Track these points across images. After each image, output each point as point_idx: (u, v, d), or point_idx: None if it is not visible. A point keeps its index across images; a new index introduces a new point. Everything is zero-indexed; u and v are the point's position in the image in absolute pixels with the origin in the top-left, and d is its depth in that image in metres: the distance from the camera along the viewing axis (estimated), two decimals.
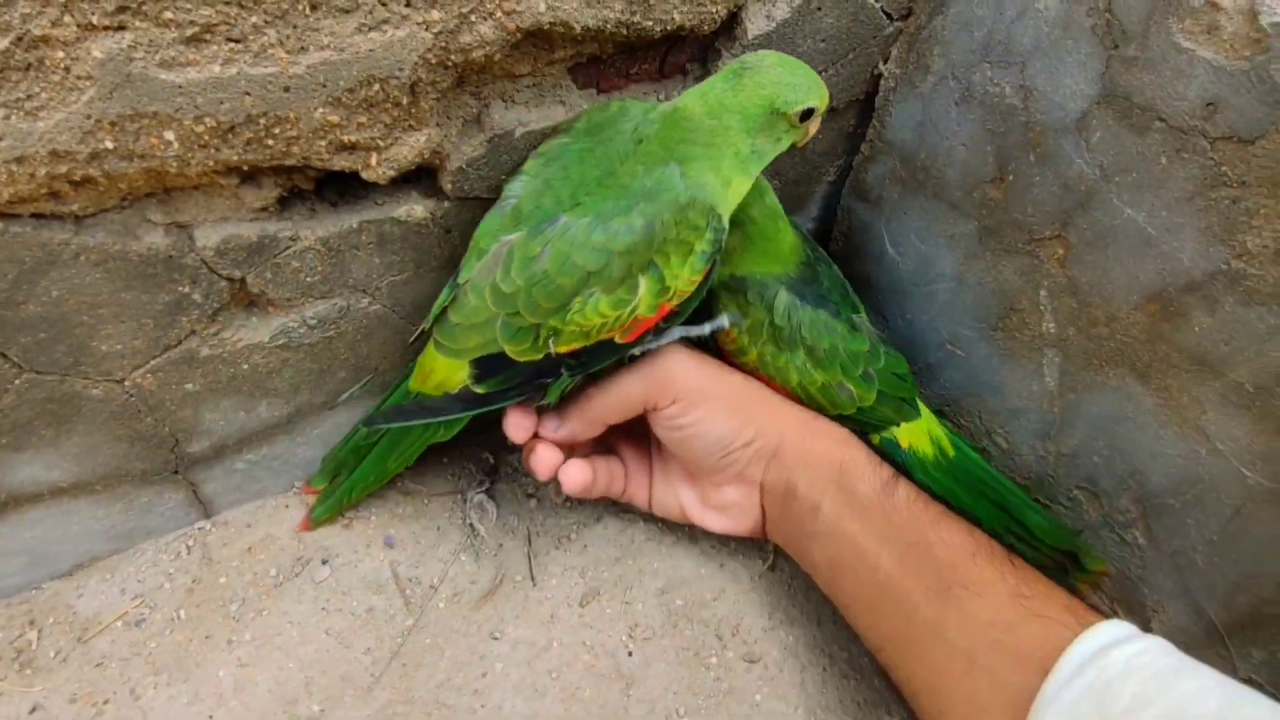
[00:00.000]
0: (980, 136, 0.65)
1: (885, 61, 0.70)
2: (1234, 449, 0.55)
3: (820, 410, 0.70)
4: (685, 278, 0.57)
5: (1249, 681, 0.60)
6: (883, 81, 0.71)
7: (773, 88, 0.55)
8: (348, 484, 0.70)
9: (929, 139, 0.69)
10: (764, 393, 0.68)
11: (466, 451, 0.80)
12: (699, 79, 0.64)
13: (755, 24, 0.61)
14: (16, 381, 0.54)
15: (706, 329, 0.66)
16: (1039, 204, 0.62)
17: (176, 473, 0.68)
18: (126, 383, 0.58)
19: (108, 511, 0.67)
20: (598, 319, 0.55)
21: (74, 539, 0.67)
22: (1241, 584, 0.59)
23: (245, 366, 0.62)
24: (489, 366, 0.58)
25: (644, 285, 0.55)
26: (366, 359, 0.68)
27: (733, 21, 0.61)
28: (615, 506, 0.77)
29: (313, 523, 0.72)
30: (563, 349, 0.56)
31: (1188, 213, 0.53)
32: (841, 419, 0.70)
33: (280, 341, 0.62)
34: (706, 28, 0.59)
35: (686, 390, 0.63)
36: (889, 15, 0.67)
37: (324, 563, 0.72)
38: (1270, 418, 0.53)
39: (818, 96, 0.56)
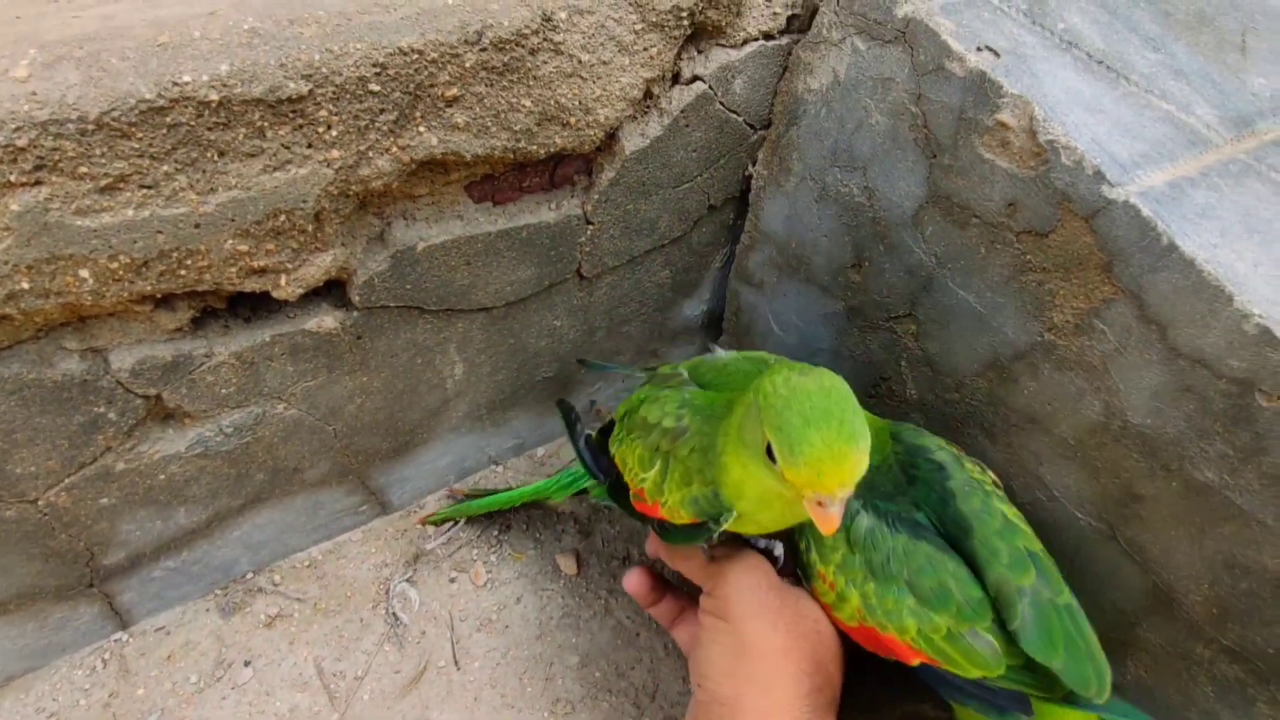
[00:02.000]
0: (838, 229, 0.73)
1: (754, 164, 0.79)
2: (1067, 495, 0.63)
3: (951, 670, 0.54)
4: (674, 500, 0.56)
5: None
6: (753, 181, 0.80)
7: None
8: (469, 505, 0.82)
9: (797, 230, 0.78)
10: (775, 694, 0.53)
11: (390, 543, 0.82)
12: (586, 189, 0.71)
13: (631, 142, 0.68)
14: None
15: (759, 544, 0.62)
16: (891, 287, 0.71)
17: (91, 586, 0.68)
18: (40, 502, 0.60)
19: (20, 631, 0.67)
20: (630, 458, 0.61)
21: None
22: (1089, 615, 0.66)
23: (162, 477, 0.65)
24: (605, 430, 0.68)
25: (655, 468, 0.58)
26: (284, 460, 0.71)
27: (611, 140, 0.68)
28: (534, 585, 0.80)
29: (428, 519, 0.84)
30: (615, 456, 0.63)
31: (1006, 293, 0.62)
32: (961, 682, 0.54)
33: (197, 451, 0.64)
34: (587, 147, 0.66)
35: (723, 596, 0.57)
36: (752, 126, 0.75)
37: (246, 664, 0.72)
38: (1090, 467, 0.61)
39: (784, 444, 0.44)
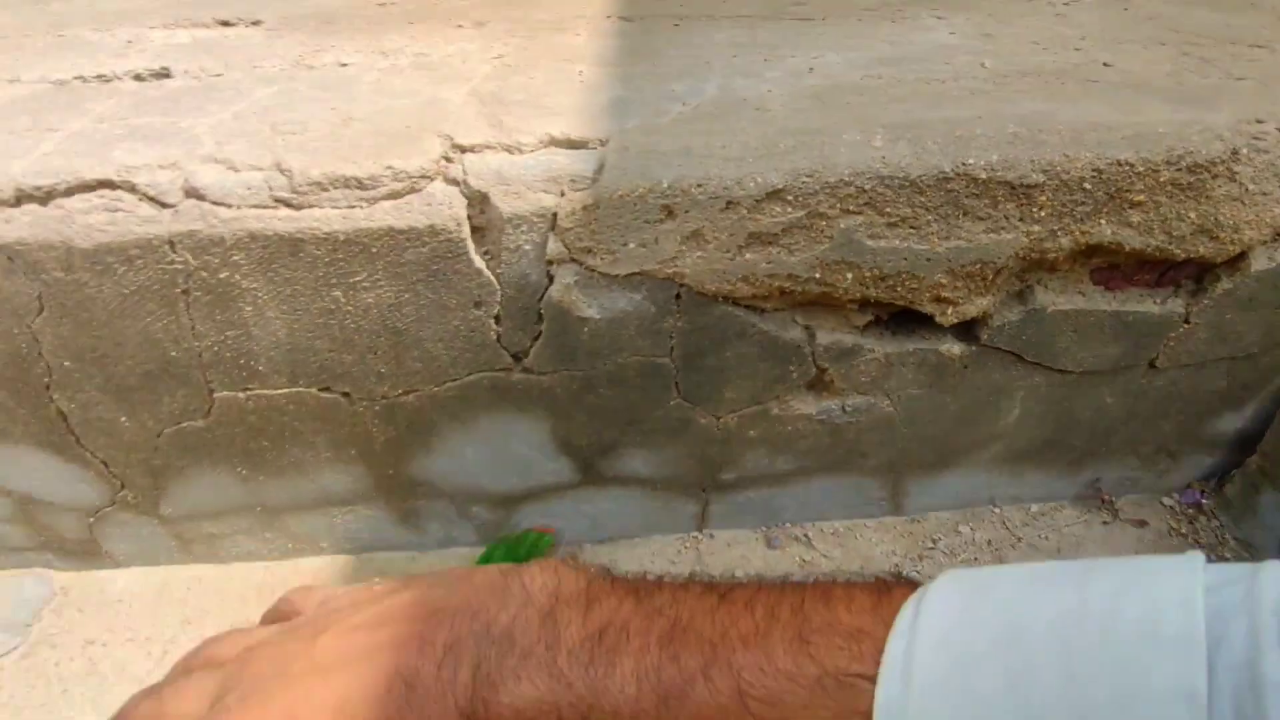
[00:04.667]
0: None
1: None
2: None
3: None
4: None
5: None
6: None
7: None
8: None
9: None
10: None
11: (899, 539, 0.98)
12: (1192, 293, 0.81)
13: (1258, 262, 0.77)
14: None
15: None
16: None
17: (704, 490, 0.94)
18: (722, 421, 0.86)
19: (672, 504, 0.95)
20: None
21: None
22: None
23: (789, 429, 0.88)
24: None
25: None
26: (859, 445, 0.91)
27: (1239, 257, 0.77)
28: None
29: None
30: None
31: None
32: None
33: (820, 418, 0.87)
34: (1219, 259, 0.76)
35: None
36: None
37: None
38: None
39: None
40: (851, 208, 0.69)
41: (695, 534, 0.99)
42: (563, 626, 0.40)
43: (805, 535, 0.99)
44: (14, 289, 0.69)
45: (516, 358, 0.78)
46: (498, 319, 0.75)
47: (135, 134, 0.74)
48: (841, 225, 0.70)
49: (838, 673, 0.34)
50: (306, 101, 0.79)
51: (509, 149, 0.70)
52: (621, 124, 0.72)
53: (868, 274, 0.73)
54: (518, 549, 0.92)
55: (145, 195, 0.68)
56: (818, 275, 0.73)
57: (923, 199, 0.69)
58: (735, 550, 0.98)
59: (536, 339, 0.77)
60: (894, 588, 0.36)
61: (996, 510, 1.01)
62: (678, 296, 0.74)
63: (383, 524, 0.96)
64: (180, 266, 0.69)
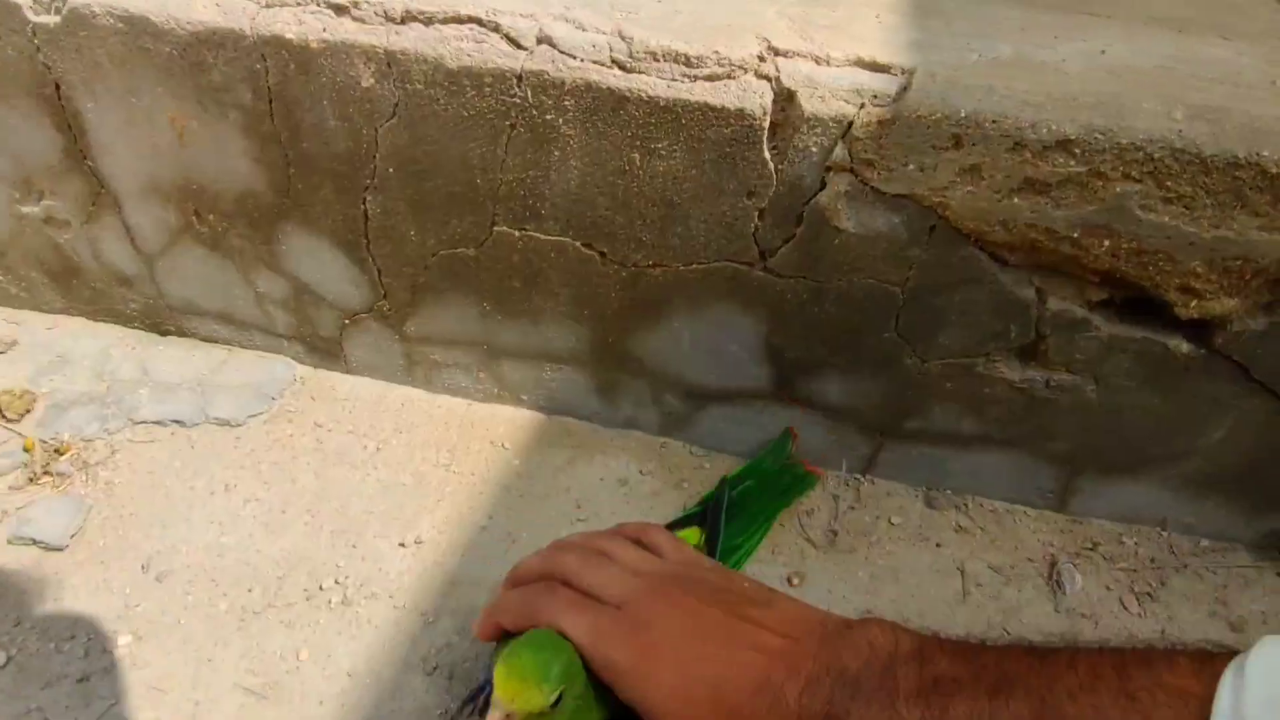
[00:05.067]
0: None
1: None
2: None
3: None
4: None
5: None
6: None
7: None
8: None
9: None
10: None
11: (1058, 534, 1.00)
12: None
13: None
14: None
15: None
16: None
17: (882, 434, 0.99)
18: (926, 364, 0.90)
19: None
20: None
21: None
22: None
23: (987, 391, 0.91)
24: None
25: None
26: (1042, 425, 0.93)
27: None
28: None
29: None
30: None
31: None
32: None
33: (1020, 385, 0.90)
34: None
35: None
36: None
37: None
38: None
39: None
40: (1134, 174, 0.72)
41: (858, 476, 1.04)
42: (901, 678, 0.46)
43: (964, 505, 1.02)
44: (380, 93, 0.82)
45: (763, 255, 0.86)
46: (761, 214, 0.83)
47: None
48: (1117, 189, 0.73)
49: None
50: None
51: (818, 60, 0.78)
52: (925, 58, 0.78)
53: (1125, 245, 0.76)
54: (781, 478, 0.97)
55: (506, 36, 0.79)
56: (1075, 235, 0.76)
57: (1207, 180, 0.71)
58: (893, 501, 1.02)
59: (788, 240, 0.84)
60: (1215, 655, 0.39)
61: (1164, 535, 1.01)
62: (933, 228, 0.79)
63: (582, 390, 1.06)
64: (518, 101, 0.80)
